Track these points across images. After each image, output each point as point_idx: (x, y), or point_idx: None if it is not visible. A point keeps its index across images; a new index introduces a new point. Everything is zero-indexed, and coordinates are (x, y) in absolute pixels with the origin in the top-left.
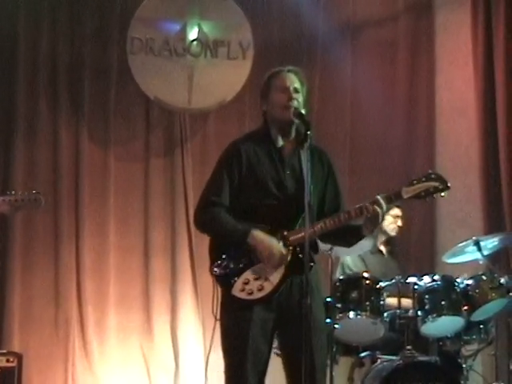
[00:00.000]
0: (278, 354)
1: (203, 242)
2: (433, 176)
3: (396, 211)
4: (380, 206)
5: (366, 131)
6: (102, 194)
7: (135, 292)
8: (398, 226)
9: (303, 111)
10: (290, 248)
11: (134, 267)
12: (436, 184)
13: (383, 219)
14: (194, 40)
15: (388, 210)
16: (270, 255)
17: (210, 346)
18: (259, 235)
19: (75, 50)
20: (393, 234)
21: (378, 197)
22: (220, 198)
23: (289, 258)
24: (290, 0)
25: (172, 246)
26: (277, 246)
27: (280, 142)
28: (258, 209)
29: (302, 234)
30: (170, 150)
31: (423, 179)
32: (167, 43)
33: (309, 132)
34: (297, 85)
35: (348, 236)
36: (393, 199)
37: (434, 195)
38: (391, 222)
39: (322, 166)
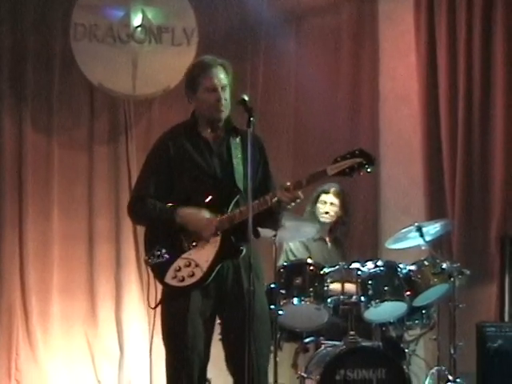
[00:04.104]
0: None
1: None
2: (357, 152)
3: (324, 197)
4: (287, 190)
5: (310, 119)
6: (45, 181)
7: (79, 280)
8: (326, 212)
9: (246, 97)
10: (219, 233)
11: (78, 255)
12: (360, 160)
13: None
14: (138, 26)
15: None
16: (201, 226)
17: (152, 334)
18: (185, 211)
19: (18, 37)
20: (323, 220)
21: (287, 183)
22: (150, 191)
23: (219, 241)
24: None
25: (116, 234)
26: (205, 216)
27: (207, 133)
28: (191, 199)
29: (226, 215)
30: (114, 137)
31: (347, 156)
32: (111, 29)
33: (252, 118)
34: (224, 81)
35: (273, 219)
36: (317, 177)
37: (360, 171)
38: (321, 207)
39: (253, 150)
